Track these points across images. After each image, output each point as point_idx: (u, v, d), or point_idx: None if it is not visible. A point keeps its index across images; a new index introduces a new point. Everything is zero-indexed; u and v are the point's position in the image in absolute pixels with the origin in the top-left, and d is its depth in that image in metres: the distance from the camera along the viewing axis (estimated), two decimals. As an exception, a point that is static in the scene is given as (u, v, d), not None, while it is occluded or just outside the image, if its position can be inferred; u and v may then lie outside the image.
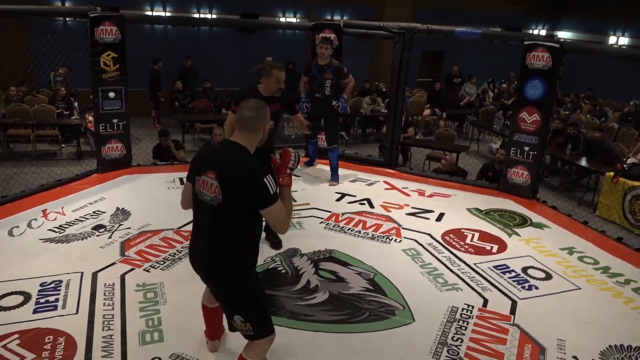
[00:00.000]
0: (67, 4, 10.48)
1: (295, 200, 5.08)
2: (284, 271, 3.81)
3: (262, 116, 2.30)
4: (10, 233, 4.18)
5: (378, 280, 3.74)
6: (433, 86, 11.29)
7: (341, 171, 5.82)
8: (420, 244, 4.36)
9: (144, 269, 3.71)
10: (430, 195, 5.57)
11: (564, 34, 14.87)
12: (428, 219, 4.92)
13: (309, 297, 3.48)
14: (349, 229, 4.60)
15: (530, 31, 15.06)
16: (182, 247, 4.05)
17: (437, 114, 10.50)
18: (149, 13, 11.23)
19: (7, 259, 3.76)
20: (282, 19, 12.38)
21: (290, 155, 2.51)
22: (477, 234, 4.62)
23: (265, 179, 2.15)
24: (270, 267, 3.86)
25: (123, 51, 5.49)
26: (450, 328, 3.23)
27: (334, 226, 4.64)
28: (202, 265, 2.38)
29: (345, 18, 12.27)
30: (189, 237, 2.53)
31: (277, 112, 3.98)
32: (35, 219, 4.43)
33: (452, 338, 3.13)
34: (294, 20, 12.50)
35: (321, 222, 4.71)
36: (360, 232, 4.53)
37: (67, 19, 9.88)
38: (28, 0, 6.59)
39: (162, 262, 3.82)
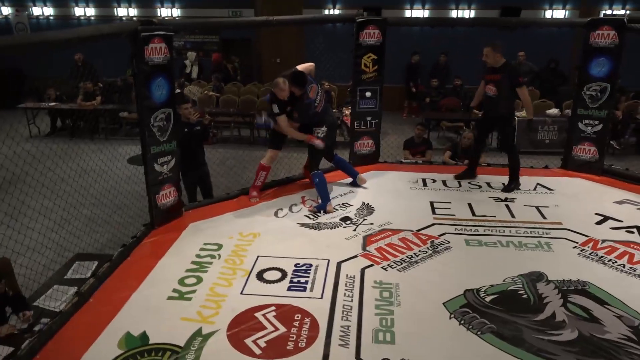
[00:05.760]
0: (337, 6, 11.61)
1: (545, 218, 4.67)
2: (525, 296, 3.50)
3: None
4: (276, 214, 4.82)
5: (645, 330, 3.13)
6: None
7: (604, 189, 5.01)
8: None
9: (382, 267, 3.85)
10: None
11: None
12: None
13: (553, 332, 3.12)
14: (610, 260, 3.96)
15: None
16: (419, 251, 4.07)
17: None
18: (408, 11, 11.60)
19: (271, 237, 4.36)
20: (548, 12, 11.31)
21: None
22: None
23: None
24: (509, 288, 3.58)
25: (382, 53, 5.77)
26: None
27: (590, 254, 4.06)
28: None
29: (628, 11, 10.58)
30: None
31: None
32: (296, 204, 5.02)
33: None
34: (562, 13, 11.30)
35: (575, 247, 4.17)
36: (624, 267, 3.86)
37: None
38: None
39: (399, 263, 3.90)
